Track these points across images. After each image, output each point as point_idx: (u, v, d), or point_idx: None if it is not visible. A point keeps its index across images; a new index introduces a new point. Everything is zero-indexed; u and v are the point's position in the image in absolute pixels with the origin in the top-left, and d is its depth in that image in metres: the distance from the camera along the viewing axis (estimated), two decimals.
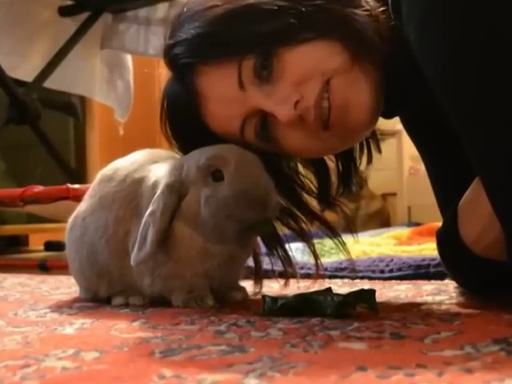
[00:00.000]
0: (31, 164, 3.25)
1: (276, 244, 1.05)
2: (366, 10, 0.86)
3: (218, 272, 0.95)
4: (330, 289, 0.88)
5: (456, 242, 0.90)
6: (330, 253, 1.60)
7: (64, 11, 2.63)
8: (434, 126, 1.01)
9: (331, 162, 1.04)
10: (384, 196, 3.72)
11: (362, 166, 1.05)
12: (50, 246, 2.87)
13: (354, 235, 1.12)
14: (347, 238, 1.10)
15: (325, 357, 0.59)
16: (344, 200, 1.06)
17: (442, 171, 1.06)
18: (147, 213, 0.91)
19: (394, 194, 3.52)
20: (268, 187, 0.89)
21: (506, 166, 0.73)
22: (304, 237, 1.05)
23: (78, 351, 0.65)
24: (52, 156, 2.54)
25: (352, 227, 1.14)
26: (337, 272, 1.38)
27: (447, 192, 1.03)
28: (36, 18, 2.59)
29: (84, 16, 2.62)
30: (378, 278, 1.32)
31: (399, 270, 1.33)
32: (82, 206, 1.05)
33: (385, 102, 0.90)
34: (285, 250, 1.06)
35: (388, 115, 0.96)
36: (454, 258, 0.94)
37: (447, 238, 0.94)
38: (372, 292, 0.82)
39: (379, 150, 1.04)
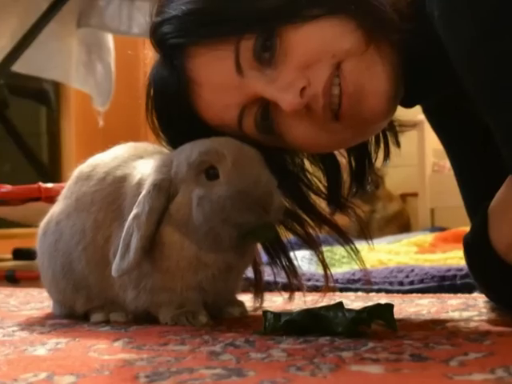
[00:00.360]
0: None
1: (279, 252, 1.05)
2: None
3: (212, 284, 0.95)
4: (341, 303, 0.88)
5: (486, 250, 0.90)
6: (341, 262, 1.60)
7: None
8: (460, 116, 1.01)
9: (342, 158, 1.04)
10: (403, 196, 3.73)
11: (378, 163, 1.05)
12: (19, 254, 2.87)
13: (369, 242, 1.12)
14: (361, 245, 1.10)
15: (335, 381, 0.59)
16: (357, 201, 1.06)
17: (470, 168, 1.06)
18: (131, 216, 0.91)
19: (414, 195, 3.52)
20: (270, 187, 0.89)
21: None
22: (311, 243, 1.05)
23: (52, 375, 0.65)
24: (22, 150, 2.55)
25: (366, 232, 1.14)
26: (349, 284, 1.39)
27: (476, 192, 1.03)
28: None
29: None
30: (397, 291, 1.33)
31: (421, 281, 1.34)
32: (56, 208, 1.06)
33: (404, 88, 0.90)
34: (289, 259, 1.06)
35: (408, 104, 0.96)
36: (484, 268, 0.94)
37: (476, 245, 0.94)
38: (389, 307, 0.82)
39: (398, 144, 1.04)
